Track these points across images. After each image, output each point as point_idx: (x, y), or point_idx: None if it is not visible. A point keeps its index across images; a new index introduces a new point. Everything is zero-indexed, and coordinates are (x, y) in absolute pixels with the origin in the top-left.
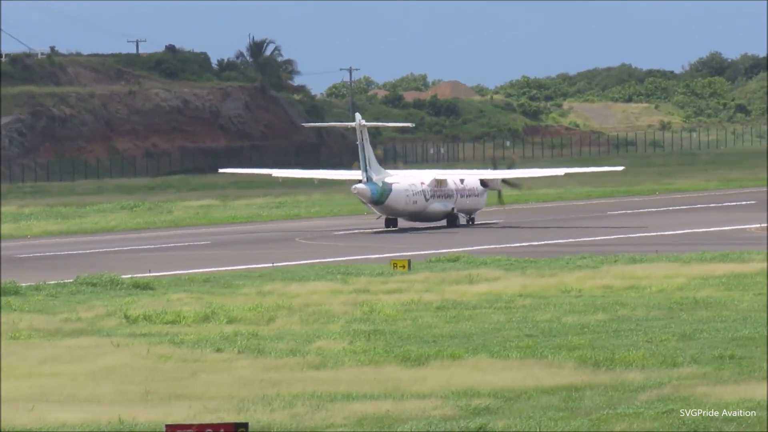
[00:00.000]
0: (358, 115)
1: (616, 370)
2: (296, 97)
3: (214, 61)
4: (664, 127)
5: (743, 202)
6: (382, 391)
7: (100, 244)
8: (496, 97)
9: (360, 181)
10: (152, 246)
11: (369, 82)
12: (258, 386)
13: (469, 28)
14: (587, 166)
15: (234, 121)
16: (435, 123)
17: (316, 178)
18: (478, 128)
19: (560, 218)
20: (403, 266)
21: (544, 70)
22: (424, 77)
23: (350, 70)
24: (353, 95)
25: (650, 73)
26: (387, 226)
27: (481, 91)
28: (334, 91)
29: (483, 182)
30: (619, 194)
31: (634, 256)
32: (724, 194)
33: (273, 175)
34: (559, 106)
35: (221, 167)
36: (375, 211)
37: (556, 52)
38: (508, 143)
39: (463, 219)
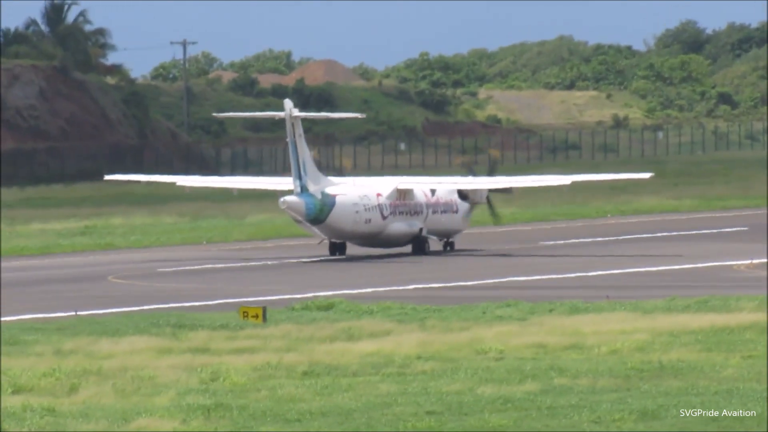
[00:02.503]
0: (288, 103)
1: None
2: (110, 80)
3: None
4: (619, 123)
5: (729, 229)
6: None
7: None
8: (385, 82)
9: (291, 192)
10: None
11: (210, 61)
12: None
13: None
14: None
15: (24, 114)
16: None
17: (234, 188)
18: (361, 125)
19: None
20: (256, 316)
21: (453, 45)
22: (287, 55)
23: (184, 45)
24: (188, 78)
25: (599, 49)
26: (332, 253)
27: (365, 73)
28: (162, 73)
29: (462, 194)
30: (557, 217)
31: (576, 304)
32: (702, 218)
33: (178, 183)
34: (474, 94)
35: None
36: (316, 232)
37: (468, 21)
38: (402, 146)
39: (437, 243)
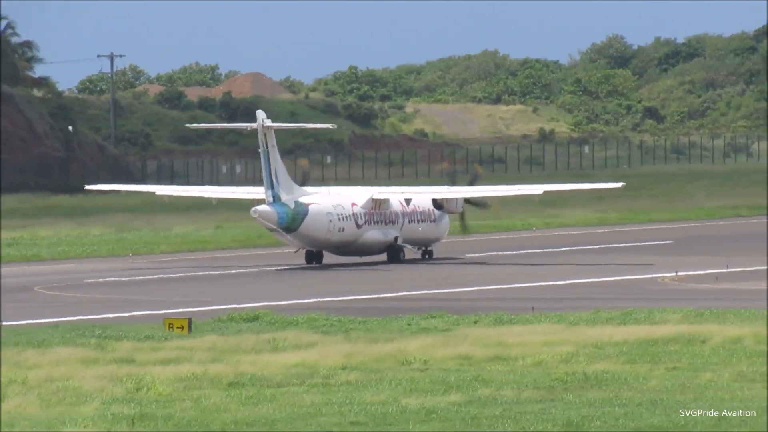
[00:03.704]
0: (261, 114)
1: None
2: (37, 93)
3: None
4: (545, 137)
5: (655, 242)
6: None
7: None
8: (312, 95)
9: (263, 202)
10: None
11: (138, 74)
12: None
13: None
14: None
15: None
16: (228, 130)
17: (213, 198)
18: (287, 138)
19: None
20: (182, 327)
21: (380, 60)
22: (213, 68)
23: (111, 57)
24: (115, 91)
25: (526, 63)
26: (308, 261)
27: (292, 86)
28: (89, 86)
29: (437, 203)
30: (484, 230)
31: (501, 315)
32: (627, 231)
33: (157, 193)
34: (401, 108)
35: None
36: (290, 241)
37: (395, 35)
38: (329, 158)
39: (414, 252)
